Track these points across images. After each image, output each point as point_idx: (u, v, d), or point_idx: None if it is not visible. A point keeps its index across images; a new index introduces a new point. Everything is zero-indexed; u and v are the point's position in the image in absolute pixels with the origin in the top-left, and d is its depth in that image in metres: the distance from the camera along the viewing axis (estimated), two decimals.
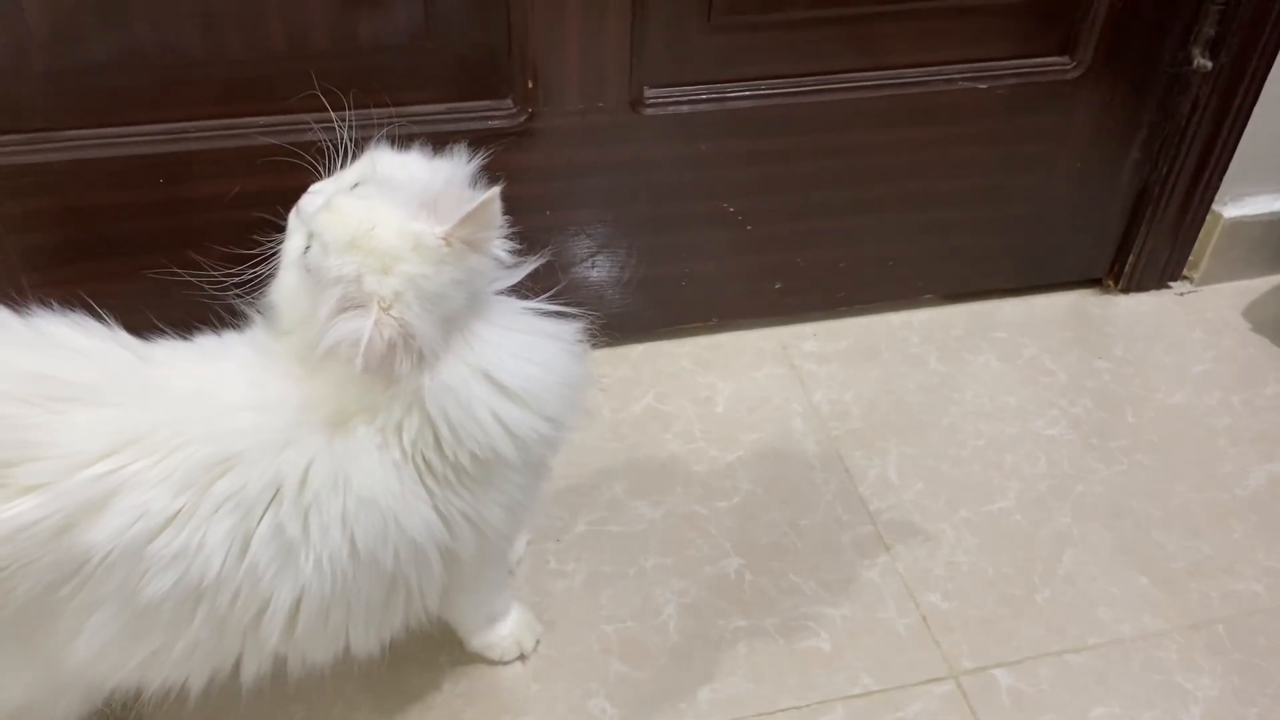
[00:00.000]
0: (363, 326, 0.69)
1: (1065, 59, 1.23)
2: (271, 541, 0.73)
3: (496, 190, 0.73)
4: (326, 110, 1.08)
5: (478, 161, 0.80)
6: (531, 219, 1.20)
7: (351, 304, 0.71)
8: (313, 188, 0.77)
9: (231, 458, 0.72)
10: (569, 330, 0.83)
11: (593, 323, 0.85)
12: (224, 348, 0.79)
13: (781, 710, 0.98)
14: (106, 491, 0.69)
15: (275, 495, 0.73)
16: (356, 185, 0.75)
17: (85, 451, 0.69)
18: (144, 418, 0.71)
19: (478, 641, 0.99)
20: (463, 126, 1.11)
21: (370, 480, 0.74)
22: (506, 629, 1.00)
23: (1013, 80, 1.23)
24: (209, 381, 0.76)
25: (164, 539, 0.70)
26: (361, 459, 0.74)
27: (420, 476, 0.76)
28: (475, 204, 0.72)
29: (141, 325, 0.80)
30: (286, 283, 0.75)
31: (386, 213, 0.72)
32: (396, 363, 0.71)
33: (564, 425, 0.83)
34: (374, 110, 1.09)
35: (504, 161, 1.13)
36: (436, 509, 0.78)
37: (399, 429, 0.75)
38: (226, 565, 0.72)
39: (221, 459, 0.72)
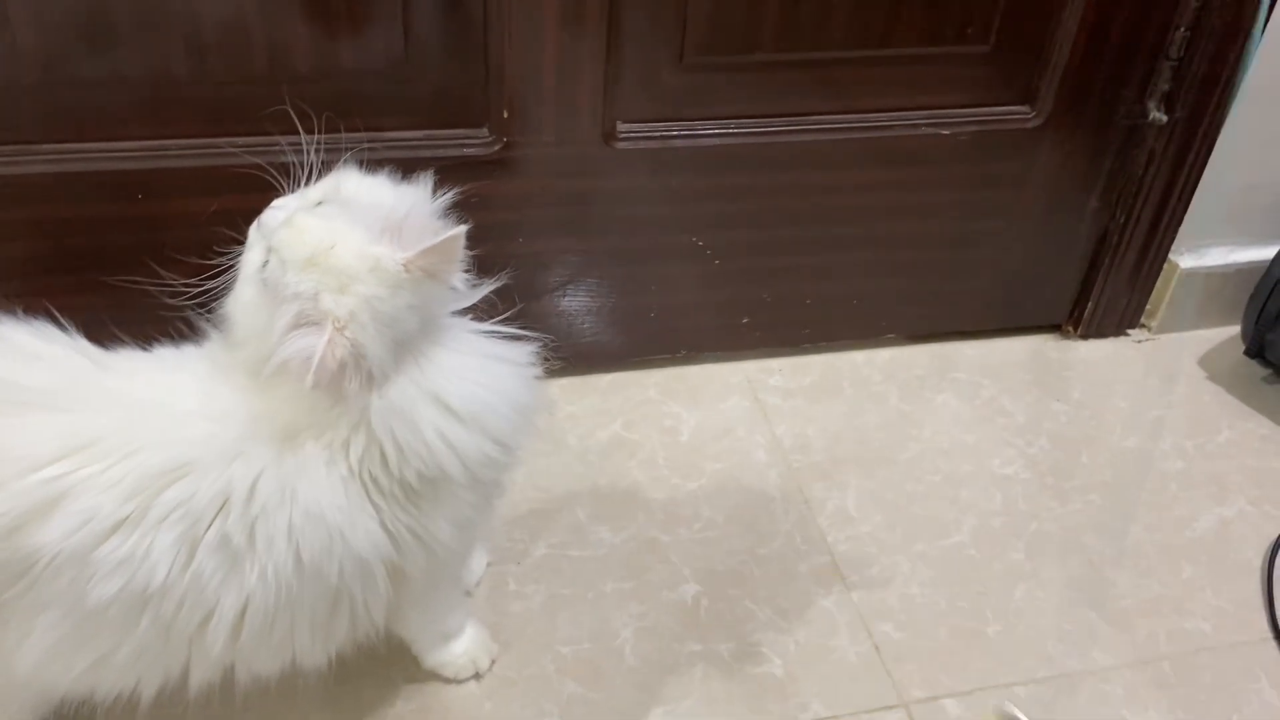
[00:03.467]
0: (315, 344, 0.70)
1: (1026, 108, 1.28)
2: (217, 551, 0.74)
3: (464, 228, 0.75)
4: (304, 132, 1.12)
5: (445, 193, 0.82)
6: (504, 246, 1.22)
7: (306, 321, 0.72)
8: (276, 202, 0.78)
9: (182, 466, 0.73)
10: (523, 354, 0.84)
11: (549, 348, 0.86)
12: (181, 359, 0.81)
13: None
14: (56, 495, 0.70)
15: (223, 505, 0.74)
16: (320, 203, 0.77)
17: (37, 455, 0.70)
18: (97, 423, 0.72)
19: (432, 659, 1.00)
20: (439, 153, 1.14)
21: (317, 494, 0.75)
22: (461, 648, 1.00)
23: (974, 127, 1.27)
24: (164, 391, 0.77)
25: (111, 544, 0.71)
26: (309, 473, 0.75)
27: (367, 493, 0.77)
28: (443, 237, 0.73)
29: (113, 339, 0.81)
30: (243, 296, 0.76)
31: (347, 233, 0.73)
32: (346, 382, 0.72)
33: (514, 448, 0.84)
34: (350, 134, 1.12)
35: (478, 189, 1.16)
36: (384, 525, 0.79)
37: (346, 446, 0.76)
38: (172, 573, 0.73)
39: (172, 467, 0.72)
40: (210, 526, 0.74)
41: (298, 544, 0.76)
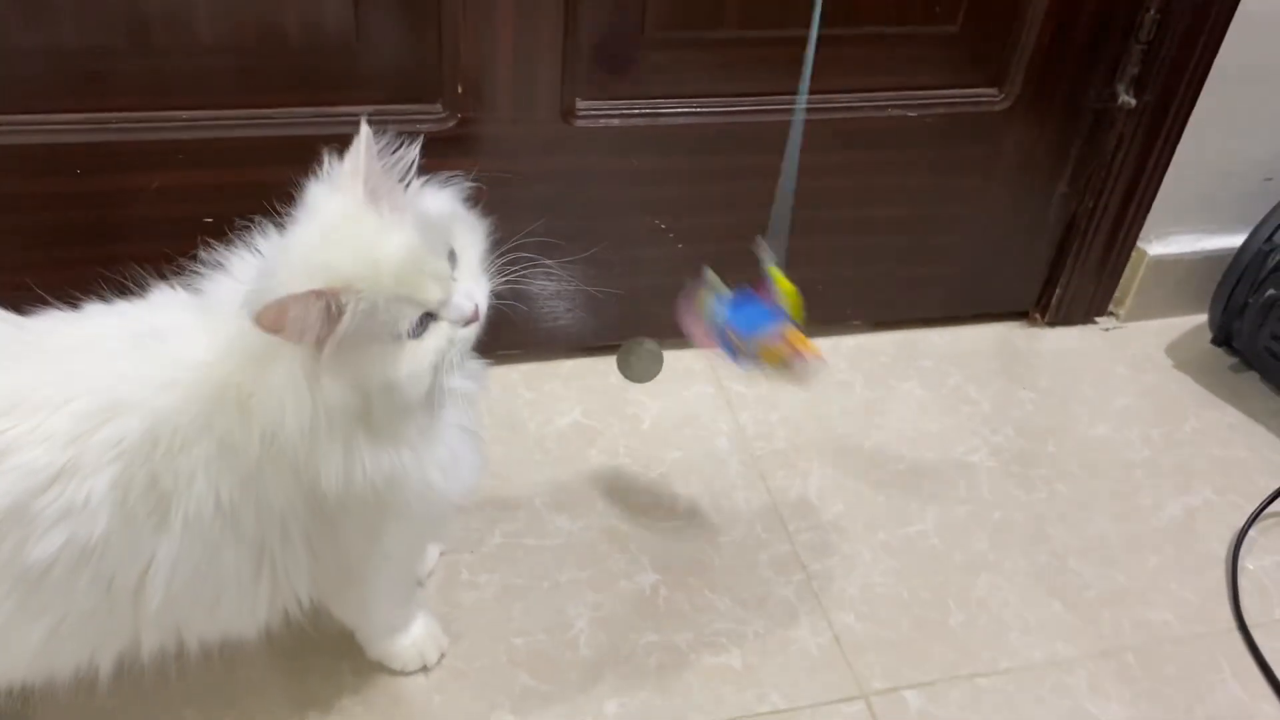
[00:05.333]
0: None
1: (994, 91, 1.25)
2: (148, 493, 0.72)
3: None
4: (251, 106, 1.08)
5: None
6: None
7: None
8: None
9: (114, 405, 0.71)
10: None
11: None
12: (107, 309, 0.79)
13: None
14: None
15: (154, 443, 0.72)
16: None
17: None
18: (27, 378, 0.71)
19: (377, 649, 0.97)
20: (391, 129, 1.10)
21: (233, 428, 0.73)
22: (409, 639, 0.97)
23: (942, 110, 1.25)
24: (91, 337, 0.75)
25: (50, 494, 0.69)
26: (230, 409, 0.73)
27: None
28: None
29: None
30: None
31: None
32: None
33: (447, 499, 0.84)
34: (300, 109, 1.09)
35: (431, 166, 1.13)
36: (299, 480, 0.76)
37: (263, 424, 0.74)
38: (112, 521, 0.71)
39: (104, 406, 0.71)
40: (143, 466, 0.72)
41: (216, 483, 0.74)
